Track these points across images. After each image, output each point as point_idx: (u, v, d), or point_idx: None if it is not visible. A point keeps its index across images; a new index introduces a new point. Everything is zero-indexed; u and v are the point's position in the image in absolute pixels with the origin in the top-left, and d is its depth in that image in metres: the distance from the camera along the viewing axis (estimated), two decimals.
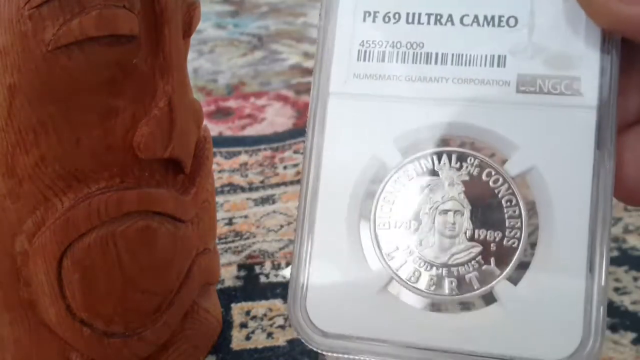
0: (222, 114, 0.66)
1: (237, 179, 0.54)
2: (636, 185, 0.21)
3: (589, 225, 0.20)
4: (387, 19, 0.22)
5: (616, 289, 0.41)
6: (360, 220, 0.21)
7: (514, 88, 0.21)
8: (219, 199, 0.51)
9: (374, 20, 0.22)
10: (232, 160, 0.57)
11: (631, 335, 0.38)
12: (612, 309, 0.40)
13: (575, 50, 0.21)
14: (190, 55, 0.33)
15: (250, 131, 0.62)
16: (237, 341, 0.37)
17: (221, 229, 0.48)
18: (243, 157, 0.58)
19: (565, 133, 0.21)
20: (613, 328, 0.38)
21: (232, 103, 0.68)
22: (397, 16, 0.22)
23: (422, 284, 0.21)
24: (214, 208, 0.35)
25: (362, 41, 0.22)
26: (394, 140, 0.22)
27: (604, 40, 0.21)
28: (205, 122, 0.34)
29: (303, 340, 0.21)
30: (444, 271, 0.21)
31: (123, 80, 0.28)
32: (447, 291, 0.21)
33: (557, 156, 0.21)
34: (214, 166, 0.51)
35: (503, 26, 0.22)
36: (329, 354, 0.21)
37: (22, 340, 0.30)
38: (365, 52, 0.22)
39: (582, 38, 0.21)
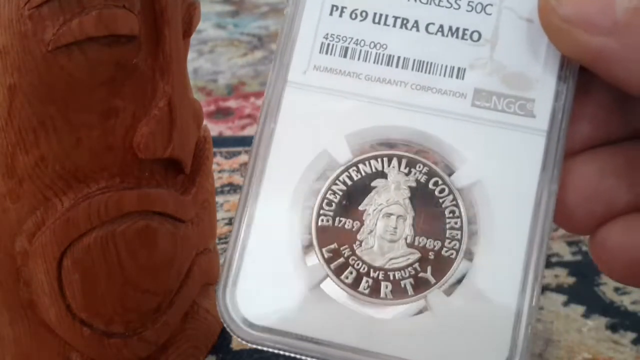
0: (222, 114, 0.66)
1: (237, 179, 0.54)
2: (576, 212, 0.22)
3: (526, 245, 0.20)
4: (354, 16, 0.22)
5: (616, 289, 0.41)
6: (302, 213, 0.21)
7: (470, 101, 0.21)
8: (219, 199, 0.51)
9: (340, 15, 0.22)
10: (232, 160, 0.57)
11: (631, 335, 0.38)
12: (612, 309, 0.40)
13: (533, 72, 0.21)
14: (190, 55, 0.33)
15: (250, 131, 0.62)
16: (237, 341, 0.37)
17: (221, 229, 0.48)
18: (243, 157, 0.58)
19: (513, 152, 0.21)
20: (613, 328, 0.38)
21: (232, 103, 0.68)
22: (364, 14, 0.22)
23: (357, 284, 0.21)
24: (214, 208, 0.35)
25: (327, 34, 0.22)
26: (346, 137, 0.21)
27: (562, 66, 0.21)
28: (205, 122, 0.34)
29: (229, 330, 0.20)
30: (380, 274, 0.21)
31: (123, 80, 0.28)
32: (381, 294, 0.20)
33: (503, 174, 0.21)
34: (214, 166, 0.51)
35: (466, 39, 0.22)
36: (254, 346, 0.21)
37: (22, 340, 0.30)
38: (329, 45, 0.22)
39: (541, 61, 0.21)
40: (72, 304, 0.29)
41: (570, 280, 0.42)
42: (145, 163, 0.29)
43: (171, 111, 0.29)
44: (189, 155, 0.31)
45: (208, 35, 0.85)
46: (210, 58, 0.79)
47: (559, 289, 0.41)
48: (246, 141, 0.60)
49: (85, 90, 0.27)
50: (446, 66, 0.22)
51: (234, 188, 0.53)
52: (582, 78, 0.21)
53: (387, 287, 0.21)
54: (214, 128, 0.62)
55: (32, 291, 0.29)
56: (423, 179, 0.21)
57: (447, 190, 0.21)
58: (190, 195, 0.31)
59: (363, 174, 0.21)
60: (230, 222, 0.49)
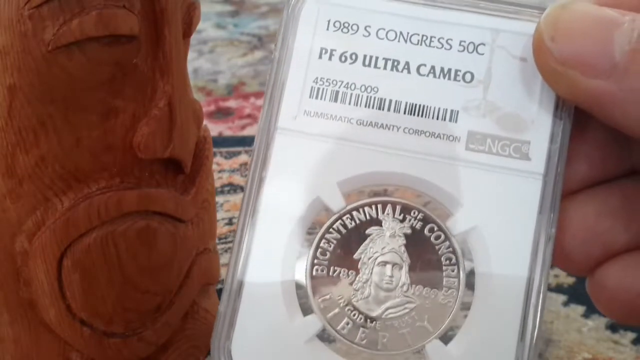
0: (222, 114, 0.66)
1: (237, 179, 0.54)
2: (573, 254, 0.21)
3: (525, 292, 0.20)
4: (343, 59, 0.22)
5: None
6: (296, 263, 0.21)
7: (464, 145, 0.21)
8: (219, 199, 0.51)
9: (330, 58, 0.22)
10: (232, 160, 0.57)
11: (631, 335, 0.38)
12: None
13: (528, 114, 0.21)
14: (190, 55, 0.33)
15: (250, 131, 0.62)
16: None
17: (221, 229, 0.48)
18: (243, 157, 0.58)
19: (509, 196, 0.21)
20: (613, 328, 0.38)
21: (232, 103, 0.68)
22: (353, 57, 0.22)
23: (354, 336, 0.20)
24: (214, 208, 0.35)
25: (316, 78, 0.21)
26: (338, 184, 0.21)
27: (557, 107, 0.21)
28: (205, 122, 0.34)
29: None
30: (377, 325, 0.20)
31: (123, 80, 0.28)
32: (379, 346, 0.20)
33: (500, 219, 0.21)
34: (214, 166, 0.51)
35: (459, 80, 0.21)
36: None
37: (22, 340, 0.30)
38: (319, 89, 0.21)
39: (536, 102, 0.21)
40: (72, 304, 0.29)
41: (570, 280, 0.42)
42: (145, 163, 0.29)
43: (171, 111, 0.29)
44: (189, 155, 0.31)
45: (208, 35, 0.85)
46: (210, 58, 0.79)
47: (559, 289, 0.41)
48: (246, 141, 0.60)
49: (85, 90, 0.27)
50: (439, 109, 0.21)
51: (234, 188, 0.53)
52: (578, 116, 0.21)
53: (384, 338, 0.20)
54: (214, 128, 0.62)
55: (32, 291, 0.29)
56: (418, 225, 0.21)
57: (443, 237, 0.21)
58: (190, 195, 0.31)
59: (357, 221, 0.21)
60: (230, 222, 0.49)
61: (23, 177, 0.27)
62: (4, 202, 0.28)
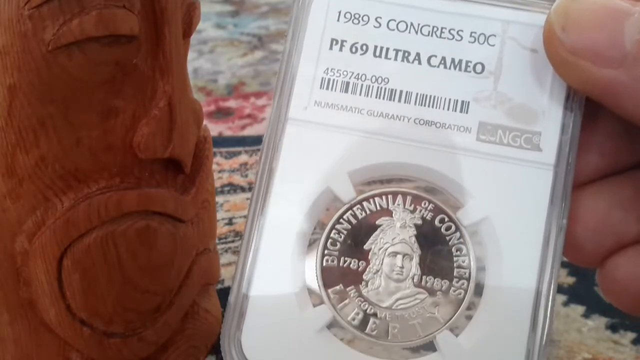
0: (222, 114, 0.66)
1: (237, 179, 0.54)
2: (585, 245, 0.21)
3: (536, 282, 0.20)
4: (354, 50, 0.22)
5: None
6: (306, 253, 0.21)
7: (475, 136, 0.21)
8: (219, 199, 0.51)
9: (340, 49, 0.22)
10: (232, 160, 0.57)
11: (631, 335, 0.38)
12: (612, 309, 0.40)
13: (539, 105, 0.21)
14: (190, 55, 0.33)
15: (250, 131, 0.62)
16: None
17: (221, 229, 0.48)
18: (243, 157, 0.58)
19: (520, 187, 0.21)
20: (613, 328, 0.38)
21: (232, 103, 0.68)
22: (364, 48, 0.22)
23: (364, 326, 0.20)
24: (214, 208, 0.35)
25: (327, 69, 0.22)
26: (349, 174, 0.21)
27: (568, 97, 0.21)
28: (205, 122, 0.34)
29: None
30: (388, 315, 0.20)
31: (123, 80, 0.28)
32: (389, 336, 0.20)
33: (511, 209, 0.20)
34: (214, 166, 0.51)
35: (469, 72, 0.21)
36: None
37: (22, 340, 0.30)
38: (329, 80, 0.21)
39: (546, 93, 0.21)
40: (72, 304, 0.29)
41: (570, 280, 0.42)
42: (145, 163, 0.29)
43: (171, 111, 0.29)
44: (189, 155, 0.31)
45: (208, 35, 0.85)
46: (210, 58, 0.79)
47: (559, 289, 0.41)
48: (246, 141, 0.60)
49: (85, 90, 0.27)
50: (449, 99, 0.21)
51: (234, 188, 0.53)
52: (588, 107, 0.21)
53: (394, 329, 0.20)
54: (214, 128, 0.62)
55: (32, 291, 0.29)
56: (429, 216, 0.21)
57: (453, 228, 0.21)
58: (190, 195, 0.31)
59: (368, 212, 0.21)
60: (230, 222, 0.49)
61: (23, 177, 0.27)
62: (4, 202, 0.28)
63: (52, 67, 0.26)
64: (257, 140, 0.60)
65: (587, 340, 0.37)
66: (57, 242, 0.28)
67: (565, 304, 0.40)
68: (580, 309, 0.40)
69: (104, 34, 0.26)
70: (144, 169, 0.29)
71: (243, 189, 0.53)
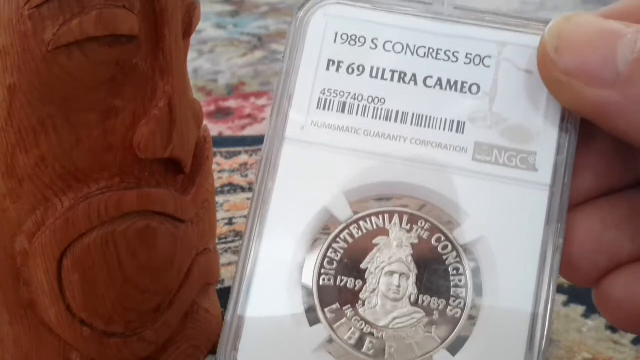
0: (222, 114, 0.66)
1: (237, 179, 0.54)
2: (580, 265, 0.21)
3: (533, 302, 0.20)
4: (351, 70, 0.22)
5: None
6: (303, 272, 0.21)
7: (471, 156, 0.21)
8: (219, 199, 0.51)
9: (337, 70, 0.22)
10: (232, 160, 0.57)
11: (631, 335, 0.38)
12: None
13: (534, 125, 0.21)
14: (190, 55, 0.33)
15: (250, 131, 0.62)
16: None
17: (221, 229, 0.48)
18: (243, 157, 0.58)
19: (516, 207, 0.21)
20: (613, 328, 0.38)
21: (232, 103, 0.68)
22: (361, 68, 0.22)
23: (361, 346, 0.20)
24: (214, 208, 0.35)
25: (324, 89, 0.22)
26: (345, 193, 0.21)
27: (563, 118, 0.21)
28: (205, 122, 0.34)
29: None
30: (384, 335, 0.20)
31: (123, 80, 0.28)
32: (386, 356, 0.20)
33: (507, 229, 0.21)
34: (214, 166, 0.51)
35: (465, 92, 0.21)
36: None
37: (22, 340, 0.30)
38: (326, 100, 0.22)
39: (542, 113, 0.21)
40: (72, 304, 0.29)
41: None
42: (145, 163, 0.29)
43: (171, 111, 0.29)
44: (189, 155, 0.31)
45: (208, 35, 0.85)
46: (210, 58, 0.79)
47: (559, 289, 0.41)
48: (246, 141, 0.60)
49: (85, 90, 0.27)
50: (445, 120, 0.21)
51: (234, 188, 0.53)
52: (584, 128, 0.21)
53: (391, 348, 0.20)
54: (214, 128, 0.62)
55: (32, 291, 0.29)
56: (425, 235, 0.21)
57: (450, 247, 0.21)
58: (190, 195, 0.31)
59: (364, 231, 0.21)
60: (230, 222, 0.49)
61: (23, 177, 0.27)
62: (4, 202, 0.28)
63: (52, 67, 0.26)
64: (257, 140, 0.60)
65: (587, 340, 0.37)
66: (57, 242, 0.28)
67: (565, 304, 0.40)
68: (580, 309, 0.40)
69: (104, 34, 0.26)
70: (144, 169, 0.29)
71: (243, 189, 0.53)
